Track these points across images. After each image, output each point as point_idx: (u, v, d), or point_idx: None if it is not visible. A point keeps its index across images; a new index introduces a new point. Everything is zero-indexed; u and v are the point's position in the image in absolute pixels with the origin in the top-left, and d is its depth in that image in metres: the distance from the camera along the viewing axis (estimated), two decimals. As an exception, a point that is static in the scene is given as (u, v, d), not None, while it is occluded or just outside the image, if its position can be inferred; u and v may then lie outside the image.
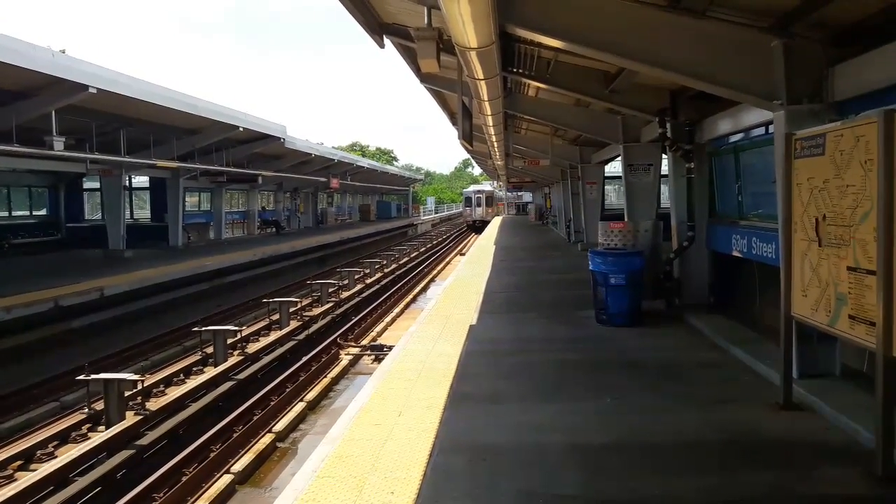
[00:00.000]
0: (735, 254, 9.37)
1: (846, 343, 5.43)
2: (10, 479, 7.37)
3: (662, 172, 13.65)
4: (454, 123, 17.73)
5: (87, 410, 9.13)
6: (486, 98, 9.35)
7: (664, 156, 12.06)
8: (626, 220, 12.32)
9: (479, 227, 46.80)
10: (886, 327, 4.29)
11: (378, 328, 15.37)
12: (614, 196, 29.99)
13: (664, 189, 16.32)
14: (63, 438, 8.58)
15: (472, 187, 59.26)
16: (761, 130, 8.77)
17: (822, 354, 6.44)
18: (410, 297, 20.35)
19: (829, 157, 5.06)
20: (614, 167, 23.65)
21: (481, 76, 7.71)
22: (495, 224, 42.88)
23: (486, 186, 57.72)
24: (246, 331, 13.90)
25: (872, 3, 5.60)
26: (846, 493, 4.31)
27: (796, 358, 6.21)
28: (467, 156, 72.54)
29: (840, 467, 4.65)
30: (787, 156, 5.75)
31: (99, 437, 7.97)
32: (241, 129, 22.74)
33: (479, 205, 52.37)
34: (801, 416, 5.73)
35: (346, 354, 12.70)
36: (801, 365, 6.33)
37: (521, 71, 9.90)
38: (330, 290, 18.57)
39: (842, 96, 6.02)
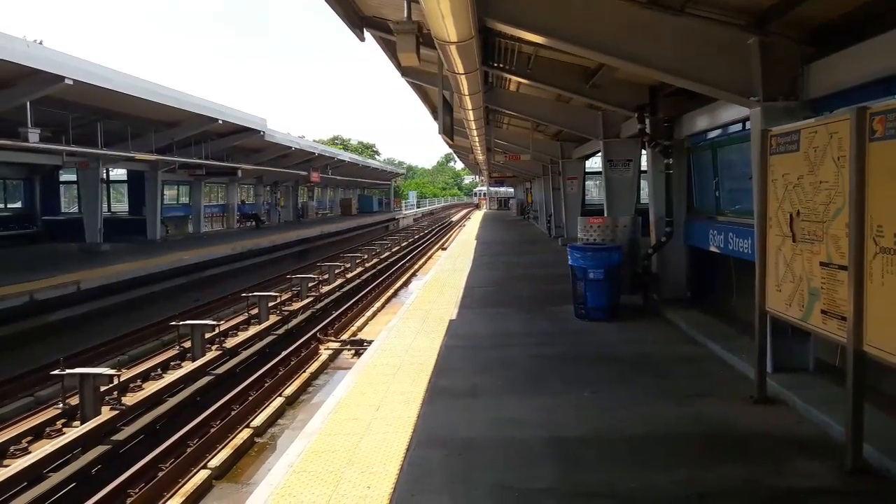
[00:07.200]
0: (712, 249, 9.46)
1: (819, 337, 5.51)
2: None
3: (642, 168, 13.74)
4: (435, 118, 17.72)
5: (62, 406, 9.01)
6: (466, 92, 9.35)
7: (643, 151, 12.14)
8: (605, 215, 12.40)
9: (479, 206, 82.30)
10: (857, 322, 4.35)
11: (359, 323, 15.30)
12: (595, 191, 30.09)
13: (644, 184, 16.42)
14: (37, 434, 8.45)
15: (476, 189, 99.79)
16: (738, 127, 8.86)
17: (795, 349, 6.54)
18: (391, 291, 20.28)
19: (803, 154, 5.12)
20: (595, 162, 23.75)
21: (461, 70, 7.72)
22: (477, 217, 50.55)
23: (485, 188, 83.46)
24: (224, 325, 13.77)
25: (845, 3, 5.67)
26: (816, 485, 4.37)
27: (770, 352, 6.29)
28: (450, 150, 75.25)
29: (811, 460, 4.72)
30: (763, 152, 5.81)
31: (74, 432, 7.86)
32: (220, 121, 22.49)
33: (479, 197, 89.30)
34: (774, 409, 5.82)
35: (325, 349, 12.64)
36: (775, 359, 6.41)
37: (501, 65, 9.90)
38: (310, 284, 18.46)
39: (816, 94, 6.10)
